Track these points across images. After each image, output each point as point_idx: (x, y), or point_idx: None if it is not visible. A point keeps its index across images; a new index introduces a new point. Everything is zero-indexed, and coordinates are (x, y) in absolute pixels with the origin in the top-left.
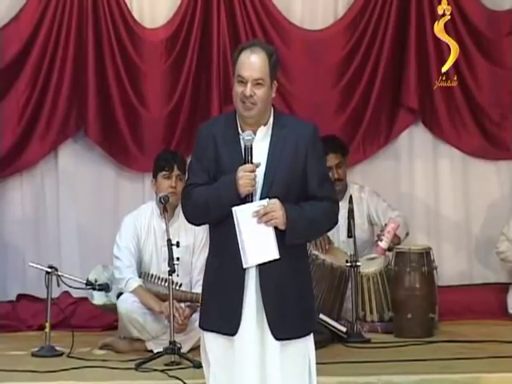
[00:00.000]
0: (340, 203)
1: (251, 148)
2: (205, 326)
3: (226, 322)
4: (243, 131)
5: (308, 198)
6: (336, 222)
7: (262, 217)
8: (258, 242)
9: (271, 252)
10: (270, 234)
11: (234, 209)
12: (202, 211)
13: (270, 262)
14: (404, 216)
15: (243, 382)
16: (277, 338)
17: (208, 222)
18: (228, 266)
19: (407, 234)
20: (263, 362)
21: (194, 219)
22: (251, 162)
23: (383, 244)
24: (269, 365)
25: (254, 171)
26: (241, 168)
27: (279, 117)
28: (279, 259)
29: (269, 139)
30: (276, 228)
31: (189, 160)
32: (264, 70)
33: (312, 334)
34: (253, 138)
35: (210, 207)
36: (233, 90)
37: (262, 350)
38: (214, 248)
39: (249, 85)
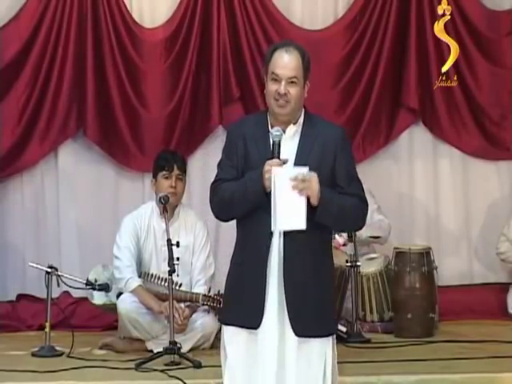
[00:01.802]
0: None
1: (279, 144)
2: (226, 321)
3: (248, 316)
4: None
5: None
6: (364, 223)
7: (299, 183)
8: (289, 209)
9: (300, 221)
10: (301, 204)
11: (274, 169)
12: (227, 205)
13: (293, 257)
14: (385, 222)
15: (262, 376)
16: (297, 335)
17: (234, 218)
18: (251, 261)
19: (378, 238)
20: (283, 357)
21: (220, 214)
22: (279, 158)
23: (340, 239)
24: (287, 360)
25: (281, 166)
26: (268, 162)
27: (309, 116)
28: (301, 252)
29: (298, 138)
30: (308, 204)
31: (189, 160)
32: (298, 69)
33: (331, 338)
34: (281, 134)
35: (236, 201)
36: (266, 88)
37: (283, 345)
38: (238, 244)
39: (283, 83)
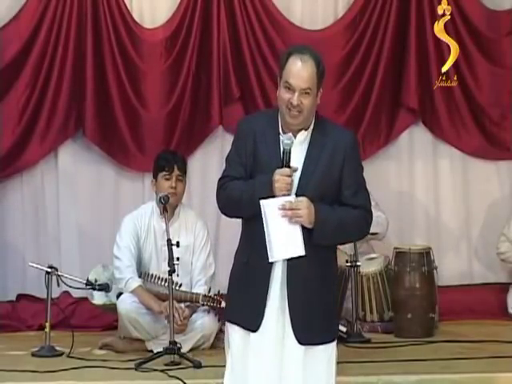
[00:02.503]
0: None
1: (290, 152)
2: (229, 318)
3: (249, 317)
4: (284, 132)
5: (342, 205)
6: (367, 232)
7: (287, 212)
8: (284, 237)
9: (297, 248)
10: (296, 230)
11: (262, 202)
12: (234, 205)
13: (297, 263)
14: (382, 217)
15: (259, 379)
16: (301, 343)
17: (239, 217)
18: (254, 261)
19: (376, 234)
20: (281, 362)
21: (225, 211)
22: (289, 166)
23: None
24: (288, 367)
25: (290, 176)
26: (278, 171)
27: (320, 122)
28: (306, 257)
29: (307, 143)
30: (305, 227)
31: (189, 160)
32: (312, 80)
33: (335, 341)
34: (292, 142)
35: (243, 203)
36: (278, 92)
37: (282, 351)
38: (243, 243)
39: (296, 94)
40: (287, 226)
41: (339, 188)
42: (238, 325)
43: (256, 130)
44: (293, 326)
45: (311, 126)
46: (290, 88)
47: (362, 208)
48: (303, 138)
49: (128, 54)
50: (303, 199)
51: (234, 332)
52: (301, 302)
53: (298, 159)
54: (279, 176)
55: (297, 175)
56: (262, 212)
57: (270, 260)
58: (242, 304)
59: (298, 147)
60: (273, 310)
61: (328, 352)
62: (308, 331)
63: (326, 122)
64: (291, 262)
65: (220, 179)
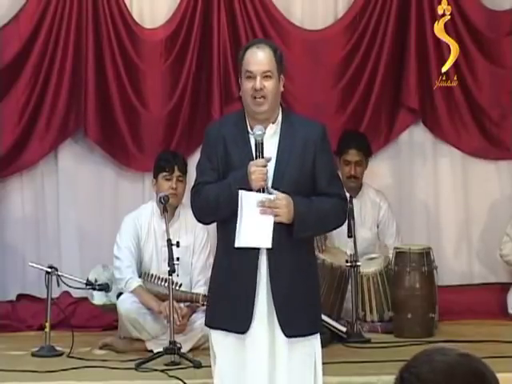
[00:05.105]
0: (354, 200)
1: (262, 143)
2: (213, 325)
3: (236, 321)
4: (252, 130)
5: (317, 196)
6: (345, 220)
7: (266, 209)
8: (255, 227)
9: (264, 240)
10: (268, 224)
11: (241, 192)
12: (212, 207)
13: (279, 258)
14: (387, 253)
15: (254, 380)
16: (286, 335)
17: (217, 220)
18: (239, 266)
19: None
20: (273, 359)
21: (203, 217)
22: (262, 157)
23: None
24: (278, 362)
25: (265, 166)
26: (252, 163)
27: (287, 114)
28: (287, 251)
29: (278, 137)
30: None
31: (189, 160)
32: (271, 63)
33: (318, 334)
34: (264, 133)
35: (221, 203)
36: (241, 88)
37: (272, 348)
38: (223, 247)
39: (258, 78)
40: (260, 218)
41: (313, 178)
42: (225, 330)
43: (225, 134)
44: (279, 320)
45: (279, 118)
46: (251, 76)
47: (337, 196)
48: (273, 131)
49: (128, 54)
50: (283, 198)
51: (219, 338)
52: (286, 296)
53: (270, 152)
54: (255, 167)
55: (271, 168)
56: (239, 202)
57: (236, 245)
58: (228, 309)
59: (268, 141)
60: (261, 309)
61: (312, 345)
62: (293, 324)
63: (293, 114)
64: (273, 258)
65: (193, 187)
